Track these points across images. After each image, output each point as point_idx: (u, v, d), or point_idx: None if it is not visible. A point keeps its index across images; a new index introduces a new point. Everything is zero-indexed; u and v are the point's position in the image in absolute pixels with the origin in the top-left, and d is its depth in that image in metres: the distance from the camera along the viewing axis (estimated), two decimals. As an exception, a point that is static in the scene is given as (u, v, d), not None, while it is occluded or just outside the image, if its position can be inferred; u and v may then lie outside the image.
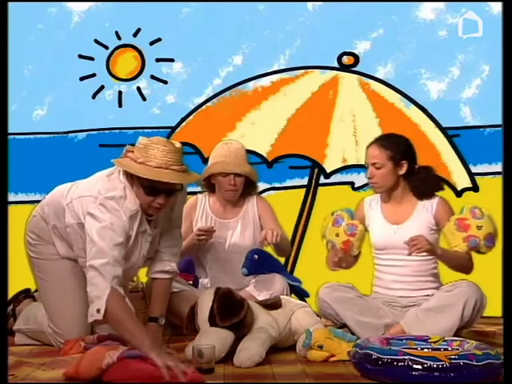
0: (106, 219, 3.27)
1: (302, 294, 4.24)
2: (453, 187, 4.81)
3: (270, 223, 4.23)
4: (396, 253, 3.76)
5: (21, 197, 4.80)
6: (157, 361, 2.91)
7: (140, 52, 4.95)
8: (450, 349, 3.14)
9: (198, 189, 4.35)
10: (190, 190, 4.33)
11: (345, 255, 3.84)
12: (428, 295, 3.76)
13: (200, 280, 4.23)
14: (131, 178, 3.38)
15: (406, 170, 3.79)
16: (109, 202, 3.30)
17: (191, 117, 4.95)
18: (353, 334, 3.56)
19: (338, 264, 3.77)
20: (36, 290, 3.99)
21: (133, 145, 3.42)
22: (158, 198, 3.35)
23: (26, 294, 4.05)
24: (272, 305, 3.60)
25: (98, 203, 3.31)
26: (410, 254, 3.59)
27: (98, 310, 3.12)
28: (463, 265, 3.75)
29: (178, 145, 3.38)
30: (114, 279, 3.17)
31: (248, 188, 4.26)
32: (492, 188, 4.58)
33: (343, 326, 3.69)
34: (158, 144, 3.32)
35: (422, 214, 3.80)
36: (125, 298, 3.18)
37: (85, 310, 3.23)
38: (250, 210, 4.28)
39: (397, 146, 3.79)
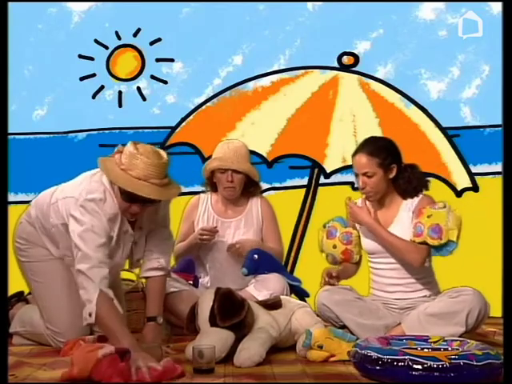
0: (87, 221, 3.33)
1: (301, 294, 4.24)
2: (453, 187, 4.81)
3: (269, 230, 4.25)
4: (388, 256, 3.77)
5: (21, 197, 4.79)
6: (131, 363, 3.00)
7: (140, 52, 4.95)
8: (450, 349, 3.14)
9: (199, 189, 4.36)
10: (193, 189, 4.35)
11: (346, 263, 3.86)
12: (425, 296, 3.76)
13: (200, 280, 4.23)
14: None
15: (396, 172, 3.75)
16: (89, 203, 3.36)
17: (191, 117, 4.95)
18: (353, 334, 3.57)
19: (329, 283, 3.77)
20: (29, 293, 4.00)
21: (124, 144, 3.44)
22: (134, 206, 3.40)
23: (19, 297, 4.05)
24: (272, 305, 3.60)
25: (78, 204, 3.37)
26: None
27: (90, 314, 3.23)
28: (398, 254, 3.71)
29: (164, 158, 3.38)
30: (103, 281, 3.26)
31: (250, 188, 4.26)
32: (492, 188, 4.58)
33: (343, 327, 3.69)
34: (143, 155, 3.32)
35: (404, 215, 3.76)
36: (113, 301, 3.26)
37: (81, 306, 3.29)
38: (254, 210, 4.28)
39: (384, 151, 3.73)
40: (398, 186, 3.77)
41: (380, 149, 3.73)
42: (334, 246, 3.86)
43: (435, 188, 4.56)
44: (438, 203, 3.70)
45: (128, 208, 3.41)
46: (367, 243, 3.84)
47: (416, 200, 3.77)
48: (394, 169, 3.74)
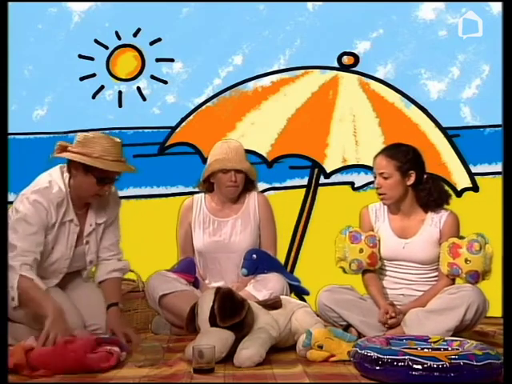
0: (22, 210, 3.54)
1: (301, 293, 4.23)
2: (453, 187, 4.81)
3: (266, 231, 4.23)
4: (403, 265, 3.81)
5: (21, 197, 4.79)
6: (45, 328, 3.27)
7: (140, 52, 4.95)
8: (450, 349, 3.14)
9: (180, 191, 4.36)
10: (193, 190, 4.34)
11: (373, 279, 3.85)
12: None
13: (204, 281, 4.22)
14: (78, 171, 3.60)
15: (415, 180, 3.76)
16: (32, 195, 3.57)
17: (191, 117, 4.95)
18: (358, 333, 3.60)
19: (395, 321, 3.71)
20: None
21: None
22: (106, 186, 3.61)
23: None
24: (272, 305, 3.60)
25: (24, 197, 3.58)
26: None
27: (13, 298, 3.41)
28: None
29: (116, 139, 3.66)
30: (22, 266, 3.44)
31: (246, 186, 4.25)
32: (492, 188, 4.58)
33: (347, 328, 3.69)
34: (103, 139, 3.61)
35: (430, 229, 3.79)
36: (33, 280, 3.43)
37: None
38: (251, 208, 4.25)
39: (404, 155, 3.75)
40: (419, 198, 3.79)
41: (400, 153, 3.76)
42: (361, 250, 3.80)
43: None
44: (474, 244, 3.69)
45: (100, 190, 3.60)
46: (386, 251, 3.84)
47: (443, 216, 3.79)
48: (412, 175, 3.75)
